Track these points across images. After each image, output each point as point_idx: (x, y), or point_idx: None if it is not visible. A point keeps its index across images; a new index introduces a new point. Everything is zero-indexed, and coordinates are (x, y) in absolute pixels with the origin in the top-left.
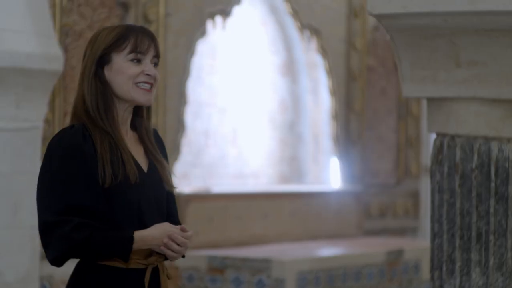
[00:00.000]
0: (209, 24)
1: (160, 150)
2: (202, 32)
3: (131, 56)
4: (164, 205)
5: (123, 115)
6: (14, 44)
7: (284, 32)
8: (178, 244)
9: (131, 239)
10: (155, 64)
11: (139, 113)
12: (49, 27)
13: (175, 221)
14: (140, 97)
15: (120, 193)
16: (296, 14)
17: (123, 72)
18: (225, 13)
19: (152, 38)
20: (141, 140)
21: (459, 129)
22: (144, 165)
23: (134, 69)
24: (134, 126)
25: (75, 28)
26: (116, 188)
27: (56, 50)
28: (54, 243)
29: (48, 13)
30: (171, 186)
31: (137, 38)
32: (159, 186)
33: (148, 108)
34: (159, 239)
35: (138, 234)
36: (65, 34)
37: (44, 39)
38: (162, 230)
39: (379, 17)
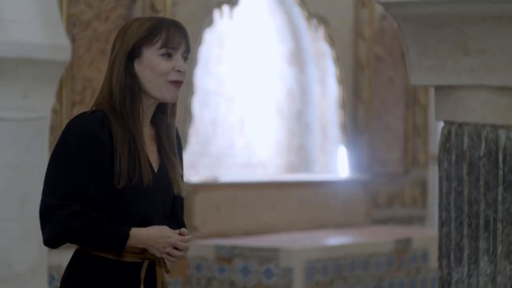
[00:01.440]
0: (216, 14)
1: (178, 150)
2: (209, 22)
3: (163, 51)
4: (169, 207)
5: (147, 111)
6: (21, 34)
7: (292, 22)
8: (179, 249)
9: (126, 236)
10: (185, 59)
11: (162, 109)
12: (56, 17)
13: (179, 223)
14: (169, 94)
15: (130, 194)
16: (303, 3)
17: (153, 68)
18: (232, 3)
19: (184, 33)
20: (158, 137)
21: (467, 117)
22: (155, 165)
23: (165, 65)
24: (153, 122)
25: (82, 18)
26: (127, 189)
27: (63, 40)
28: (51, 225)
29: (55, 3)
30: (180, 189)
31: (169, 33)
32: (168, 188)
33: (173, 105)
34: (154, 240)
35: (134, 232)
36: (72, 24)
37: (52, 29)
38: (159, 232)
39: (387, 5)
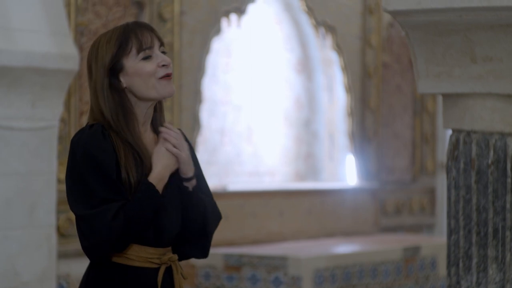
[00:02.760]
0: (224, 22)
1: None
2: (217, 30)
3: (141, 55)
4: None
5: (145, 115)
6: (29, 43)
7: (299, 30)
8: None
9: (150, 184)
10: (164, 52)
11: (155, 109)
12: (64, 26)
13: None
14: (165, 90)
15: None
16: (311, 11)
17: (139, 73)
18: (240, 11)
19: (151, 29)
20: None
21: (475, 125)
22: None
23: (149, 66)
24: (153, 127)
25: (90, 27)
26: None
27: (71, 49)
28: (97, 237)
29: (63, 12)
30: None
31: (138, 36)
32: (174, 188)
33: (160, 102)
34: (166, 165)
35: (152, 177)
36: (80, 33)
37: (60, 38)
38: (159, 155)
39: (394, 13)
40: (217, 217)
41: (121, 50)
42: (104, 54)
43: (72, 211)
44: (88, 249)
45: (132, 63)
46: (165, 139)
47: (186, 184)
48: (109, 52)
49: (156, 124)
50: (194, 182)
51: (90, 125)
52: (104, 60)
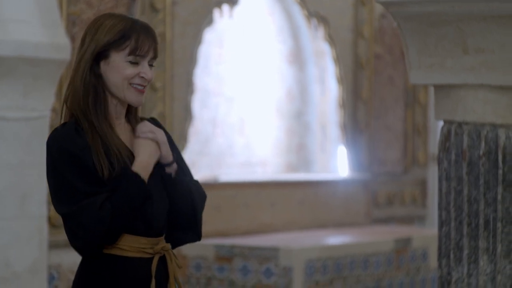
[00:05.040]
0: (216, 13)
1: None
2: (209, 21)
3: (130, 58)
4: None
5: (115, 109)
6: (21, 33)
7: (291, 21)
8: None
9: (135, 175)
10: (151, 65)
11: (130, 111)
12: (56, 16)
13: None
14: (133, 98)
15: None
16: (303, 2)
17: (119, 71)
18: (232, 2)
19: (153, 39)
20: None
21: (467, 116)
22: None
23: (130, 70)
24: (127, 118)
25: (82, 17)
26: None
27: (63, 40)
28: (87, 232)
29: (54, 2)
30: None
31: (139, 40)
32: (159, 176)
33: (135, 109)
34: (149, 153)
35: (135, 167)
36: (72, 23)
37: (51, 28)
38: (140, 146)
39: (386, 4)
40: (203, 197)
41: (117, 42)
42: (102, 37)
43: (58, 213)
44: (79, 247)
45: (118, 59)
46: (139, 132)
47: (168, 170)
48: (106, 37)
49: (133, 122)
50: (175, 166)
51: (62, 124)
52: (99, 42)
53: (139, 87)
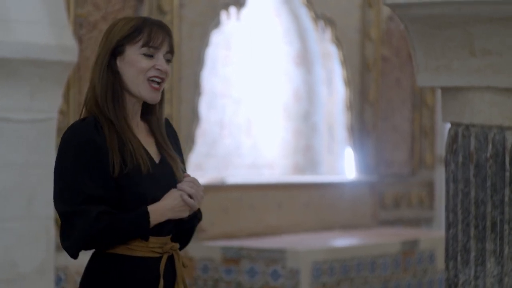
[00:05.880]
0: (223, 15)
1: (174, 141)
2: (216, 23)
3: (144, 50)
4: None
5: (133, 108)
6: (28, 35)
7: (298, 23)
8: (191, 196)
9: (146, 212)
10: (168, 60)
11: (149, 111)
12: (63, 18)
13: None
14: (147, 94)
15: (131, 184)
16: (310, 4)
17: (134, 65)
18: (239, 4)
19: (167, 33)
20: (152, 132)
21: (474, 118)
22: (155, 157)
23: (145, 63)
24: (145, 117)
25: (89, 19)
26: (127, 178)
27: (70, 41)
28: (76, 234)
29: (62, 4)
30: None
31: (152, 32)
32: (171, 178)
33: (161, 104)
34: (171, 207)
35: (151, 208)
36: (79, 25)
37: (58, 30)
38: (172, 196)
39: (393, 6)
40: (200, 219)
41: (130, 36)
42: (116, 34)
43: (56, 209)
44: (65, 247)
45: (133, 53)
46: (182, 184)
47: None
48: (119, 34)
49: (150, 121)
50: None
51: (82, 118)
52: (113, 39)
53: (156, 81)
